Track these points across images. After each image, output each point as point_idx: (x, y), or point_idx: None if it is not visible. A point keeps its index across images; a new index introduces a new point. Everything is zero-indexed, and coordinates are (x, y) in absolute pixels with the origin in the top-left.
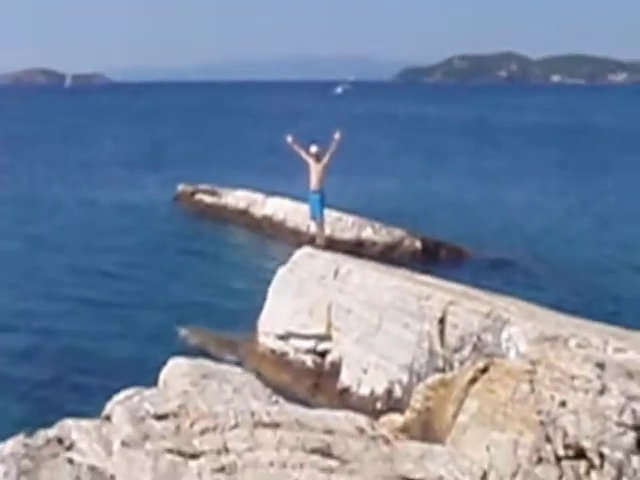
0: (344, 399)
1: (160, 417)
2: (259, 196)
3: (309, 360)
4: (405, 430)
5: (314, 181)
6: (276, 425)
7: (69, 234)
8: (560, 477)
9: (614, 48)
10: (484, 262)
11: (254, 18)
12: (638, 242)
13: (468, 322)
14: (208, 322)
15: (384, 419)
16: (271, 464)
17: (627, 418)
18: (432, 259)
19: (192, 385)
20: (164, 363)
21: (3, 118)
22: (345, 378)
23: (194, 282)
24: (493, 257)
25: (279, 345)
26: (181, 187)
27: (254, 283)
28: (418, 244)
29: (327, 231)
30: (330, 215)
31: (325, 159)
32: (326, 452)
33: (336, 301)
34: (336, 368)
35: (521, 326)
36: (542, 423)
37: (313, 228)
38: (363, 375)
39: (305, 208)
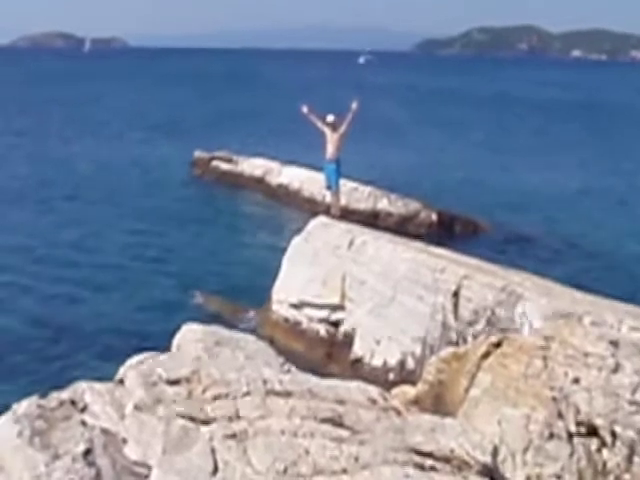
0: (356, 369)
1: (173, 382)
2: (275, 164)
3: (322, 329)
4: (417, 402)
5: (330, 151)
6: (288, 394)
7: (83, 198)
8: (571, 454)
9: (637, 24)
10: (500, 237)
11: None
12: None
13: (482, 296)
14: (222, 289)
15: (396, 390)
16: (282, 432)
17: None
18: (448, 232)
19: (205, 351)
20: (178, 329)
21: (23, 80)
22: (358, 349)
23: (209, 249)
24: (509, 232)
25: (292, 314)
26: (197, 153)
27: (269, 251)
28: (434, 217)
29: (342, 201)
30: (346, 185)
31: (342, 128)
32: (337, 422)
33: (350, 271)
34: (349, 338)
35: (535, 302)
36: (554, 399)
37: (328, 198)
38: (376, 346)
39: (320, 177)
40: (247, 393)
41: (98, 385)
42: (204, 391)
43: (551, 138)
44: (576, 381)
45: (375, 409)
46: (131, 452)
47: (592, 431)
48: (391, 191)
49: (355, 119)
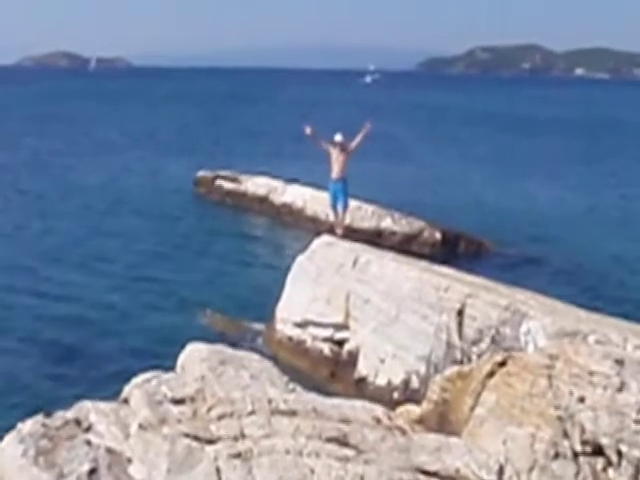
0: (361, 389)
1: (177, 401)
2: (279, 183)
3: (326, 348)
4: (422, 421)
5: (336, 170)
6: (293, 413)
7: (87, 217)
8: (577, 473)
9: (639, 42)
10: (504, 255)
11: (275, 6)
12: None
13: (487, 315)
14: (227, 308)
15: (401, 410)
16: (287, 452)
17: None
18: (452, 251)
19: (210, 370)
20: (182, 348)
21: (30, 99)
22: (362, 368)
23: (212, 268)
24: (513, 251)
25: (297, 333)
26: (201, 173)
27: (273, 270)
28: (438, 235)
29: (347, 220)
30: (349, 203)
31: (351, 146)
32: (342, 441)
33: (354, 290)
34: (353, 357)
35: (540, 320)
36: (560, 418)
37: (332, 217)
38: (380, 365)
39: (324, 196)
40: (252, 412)
41: (103, 404)
42: (209, 410)
43: (556, 156)
44: (581, 400)
45: (380, 428)
46: (136, 472)
47: (598, 450)
48: (395, 209)
49: (365, 140)
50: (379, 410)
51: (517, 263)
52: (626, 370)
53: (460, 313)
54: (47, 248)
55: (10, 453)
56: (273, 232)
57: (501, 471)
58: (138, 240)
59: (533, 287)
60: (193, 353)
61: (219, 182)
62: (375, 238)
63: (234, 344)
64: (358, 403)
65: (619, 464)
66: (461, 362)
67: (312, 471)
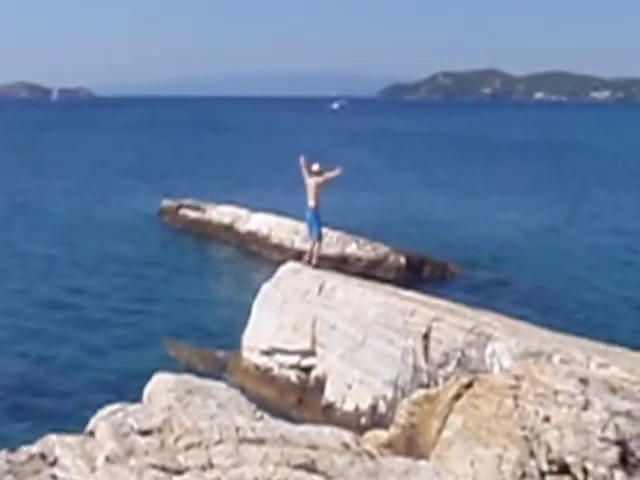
0: (328, 415)
1: (144, 433)
2: (243, 211)
3: (293, 375)
4: (390, 446)
5: (313, 199)
6: (261, 441)
7: (50, 247)
8: None
9: (596, 66)
10: (468, 278)
11: (236, 33)
12: (621, 258)
13: (452, 338)
14: (192, 338)
15: (368, 435)
16: None
17: (610, 433)
18: (417, 275)
19: (177, 400)
20: (149, 378)
21: None
22: (329, 394)
23: (178, 298)
24: (477, 274)
25: (263, 360)
26: (165, 202)
27: (238, 298)
28: (403, 260)
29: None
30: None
31: (320, 180)
32: (311, 467)
33: (321, 317)
34: (320, 384)
35: (505, 342)
36: (526, 438)
37: (309, 245)
38: (347, 391)
39: (289, 223)
40: (220, 441)
41: (68, 438)
42: (176, 440)
43: (517, 180)
44: (547, 419)
45: (348, 453)
46: None
47: (564, 469)
48: (360, 235)
49: (332, 181)
50: (347, 436)
51: (481, 285)
52: (590, 388)
53: (426, 336)
54: (8, 281)
55: None
56: (238, 260)
57: None
58: (102, 272)
59: (497, 309)
60: (159, 383)
61: (183, 211)
62: (340, 264)
63: (201, 373)
64: (326, 429)
65: None
66: (428, 385)
67: None
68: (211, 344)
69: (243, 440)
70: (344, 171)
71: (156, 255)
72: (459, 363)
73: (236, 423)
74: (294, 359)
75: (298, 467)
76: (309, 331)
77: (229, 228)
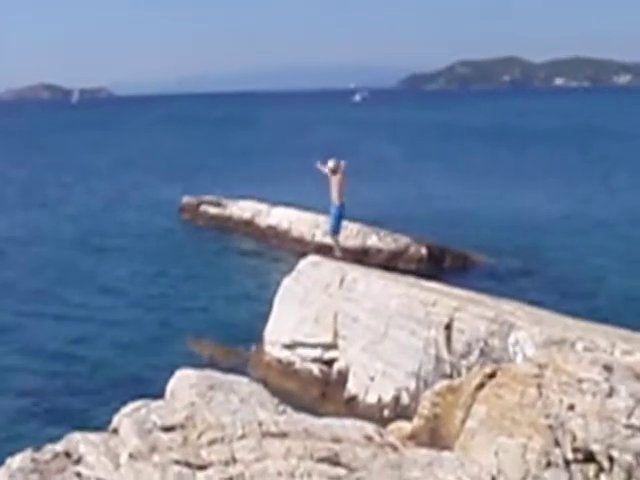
0: (351, 407)
1: (167, 429)
2: (263, 206)
3: (316, 369)
4: (413, 437)
5: (333, 195)
6: (284, 435)
7: (73, 248)
8: None
9: (618, 50)
10: (490, 268)
11: (253, 28)
12: None
13: (474, 327)
14: (215, 333)
15: (392, 427)
16: (279, 474)
17: (636, 420)
18: (438, 266)
19: (199, 396)
20: (171, 374)
21: (15, 130)
22: (352, 386)
23: (199, 294)
24: (499, 263)
25: (285, 354)
26: (186, 199)
27: (260, 293)
28: (424, 251)
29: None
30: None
31: (339, 176)
32: (334, 460)
33: (342, 309)
34: (343, 376)
35: (528, 330)
36: (550, 427)
37: (334, 241)
38: (370, 383)
39: (310, 217)
40: (243, 436)
41: (92, 435)
42: (199, 436)
43: (540, 167)
44: (571, 408)
45: (371, 446)
46: None
47: (589, 457)
48: (380, 227)
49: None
50: (370, 428)
51: (503, 274)
52: (615, 376)
53: (448, 327)
54: (29, 281)
55: None
56: (259, 255)
57: None
58: (124, 269)
59: (520, 297)
60: (182, 379)
61: (204, 207)
62: (361, 256)
63: (223, 369)
64: (349, 422)
65: (611, 470)
66: (450, 376)
67: None
68: (233, 339)
69: (266, 434)
70: (366, 162)
71: (177, 252)
72: (482, 353)
73: (259, 417)
74: (316, 352)
75: (321, 460)
76: (331, 324)
77: (249, 223)
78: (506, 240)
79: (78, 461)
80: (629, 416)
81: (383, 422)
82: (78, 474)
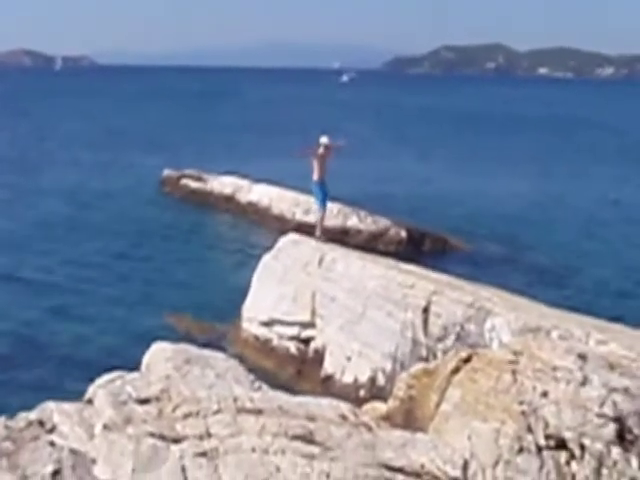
0: (327, 387)
1: (142, 401)
2: (245, 182)
3: (293, 347)
4: (388, 418)
5: (320, 171)
6: (259, 411)
7: (52, 218)
8: (541, 467)
9: (601, 42)
10: (469, 253)
11: (236, 4)
12: (622, 233)
13: (451, 312)
14: (192, 308)
15: (367, 407)
16: (253, 450)
17: (608, 409)
18: (417, 249)
19: (175, 370)
20: (147, 347)
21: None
22: (328, 365)
23: (178, 268)
24: (478, 248)
25: (263, 332)
26: (166, 172)
27: (238, 269)
28: (403, 233)
29: (312, 218)
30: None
31: (323, 151)
32: (308, 439)
33: (320, 289)
34: (320, 355)
35: (504, 317)
36: (524, 413)
37: (317, 218)
38: (346, 363)
39: (291, 195)
40: (218, 411)
41: (67, 405)
42: (174, 409)
43: (522, 154)
44: (545, 395)
45: (346, 425)
46: (100, 472)
47: (561, 444)
48: (361, 208)
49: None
50: (345, 407)
51: (482, 260)
52: (588, 365)
53: (425, 310)
54: (9, 246)
55: None
56: (239, 231)
57: (466, 466)
58: (101, 241)
59: (497, 283)
60: (158, 353)
61: (185, 181)
62: (341, 236)
63: (200, 344)
64: (324, 401)
65: (582, 457)
66: (426, 359)
67: (278, 469)
68: (211, 314)
69: (241, 410)
70: (349, 143)
71: (155, 225)
72: (458, 337)
73: (234, 393)
74: (293, 330)
75: (296, 438)
76: (309, 303)
77: (230, 199)
78: (486, 226)
79: (52, 430)
80: (601, 405)
81: (358, 402)
82: (51, 443)
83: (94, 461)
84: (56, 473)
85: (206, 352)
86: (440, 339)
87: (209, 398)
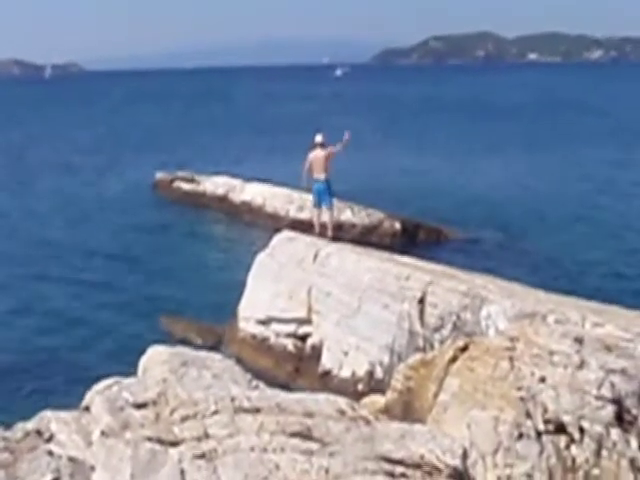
0: (325, 382)
1: (139, 406)
2: (237, 182)
3: (290, 344)
4: (387, 411)
5: (320, 170)
6: (256, 410)
7: (46, 220)
8: (541, 452)
9: (589, 25)
10: (463, 242)
11: (221, 4)
12: (614, 217)
13: (447, 301)
14: (188, 310)
15: (365, 400)
16: (252, 449)
17: (606, 392)
18: (412, 241)
19: (171, 372)
20: (144, 351)
21: None
22: (326, 361)
23: (173, 270)
24: (471, 237)
25: (260, 330)
26: (159, 175)
27: (234, 269)
28: (397, 226)
29: (307, 214)
30: (309, 198)
31: (329, 151)
32: (306, 435)
33: (316, 284)
34: (317, 351)
35: (500, 304)
36: (522, 399)
37: (315, 217)
38: (344, 357)
39: (284, 192)
40: (215, 412)
41: (64, 413)
42: (172, 412)
43: (513, 141)
44: (542, 380)
45: (344, 420)
46: (99, 479)
47: (560, 428)
48: (354, 201)
49: (343, 149)
50: (343, 402)
51: (476, 249)
52: (585, 348)
53: (421, 301)
54: (3, 253)
55: None
56: (233, 231)
57: (465, 455)
58: (96, 245)
59: (492, 271)
60: (154, 356)
61: (177, 183)
62: (335, 231)
63: (197, 345)
64: (321, 396)
65: (581, 440)
66: (424, 350)
67: (277, 466)
68: (207, 315)
69: (239, 410)
70: (332, 137)
71: (149, 228)
72: (455, 327)
73: (231, 393)
74: (290, 328)
75: (294, 435)
76: (305, 299)
77: (223, 199)
78: (479, 214)
79: (49, 439)
80: (599, 387)
81: (357, 396)
82: (50, 452)
83: (93, 468)
84: None
85: (202, 353)
86: (437, 329)
87: (206, 399)
